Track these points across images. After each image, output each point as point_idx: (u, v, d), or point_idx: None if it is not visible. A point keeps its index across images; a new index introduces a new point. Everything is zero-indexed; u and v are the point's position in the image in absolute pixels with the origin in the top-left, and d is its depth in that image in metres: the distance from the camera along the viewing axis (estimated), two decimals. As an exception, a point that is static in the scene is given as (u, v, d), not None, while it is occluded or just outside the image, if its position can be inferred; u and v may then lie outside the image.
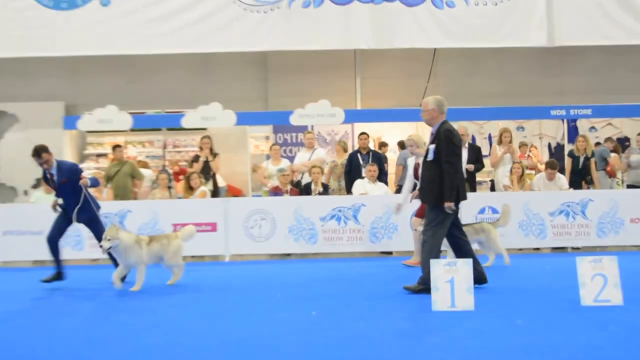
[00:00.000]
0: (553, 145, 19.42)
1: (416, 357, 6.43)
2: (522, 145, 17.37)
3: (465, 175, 14.98)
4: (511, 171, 15.71)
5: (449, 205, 9.56)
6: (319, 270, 12.63)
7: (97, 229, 11.42)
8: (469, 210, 13.93)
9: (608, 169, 16.49)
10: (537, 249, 14.92)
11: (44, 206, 14.81)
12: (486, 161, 16.20)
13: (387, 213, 14.14)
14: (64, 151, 18.96)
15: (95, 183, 11.81)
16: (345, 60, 19.40)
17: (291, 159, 17.10)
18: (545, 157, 18.23)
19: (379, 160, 15.87)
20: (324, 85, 19.03)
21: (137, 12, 18.10)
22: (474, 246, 11.90)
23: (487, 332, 7.39)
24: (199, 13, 18.03)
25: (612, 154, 16.82)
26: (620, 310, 8.16)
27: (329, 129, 19.09)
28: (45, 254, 13.87)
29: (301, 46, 18.31)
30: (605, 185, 16.39)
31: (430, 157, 9.77)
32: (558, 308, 8.55)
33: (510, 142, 16.35)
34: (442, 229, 9.72)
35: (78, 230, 13.80)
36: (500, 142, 16.35)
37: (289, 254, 14.70)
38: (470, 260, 8.58)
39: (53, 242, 11.56)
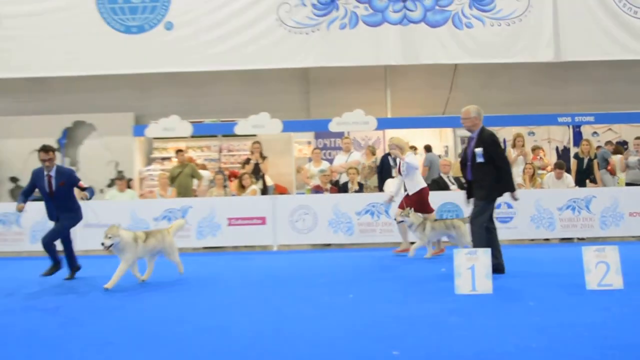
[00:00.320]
0: (560, 148, 19.24)
1: (441, 334, 6.43)
2: (536, 148, 17.28)
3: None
4: (524, 171, 15.69)
5: (514, 195, 10.10)
6: (355, 259, 12.63)
7: (65, 228, 10.85)
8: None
9: (609, 168, 16.36)
10: (547, 239, 14.84)
11: (117, 202, 15.06)
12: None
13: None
14: (134, 155, 19.14)
15: (92, 194, 11.06)
16: (376, 74, 19.37)
17: (330, 161, 17.11)
18: (554, 158, 18.07)
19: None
20: (359, 97, 18.98)
21: (196, 35, 18.23)
22: (445, 239, 12.57)
23: (503, 313, 7.39)
24: (250, 35, 18.13)
25: (617, 155, 16.69)
26: (621, 294, 8.14)
27: (363, 135, 19.06)
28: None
29: (338, 62, 18.32)
30: (608, 182, 16.27)
31: (480, 159, 9.87)
32: (566, 292, 8.52)
33: (523, 145, 16.31)
34: (485, 218, 9.94)
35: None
36: (514, 146, 16.32)
37: (328, 244, 14.70)
38: (489, 250, 8.60)
39: (47, 246, 10.71)
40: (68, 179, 10.71)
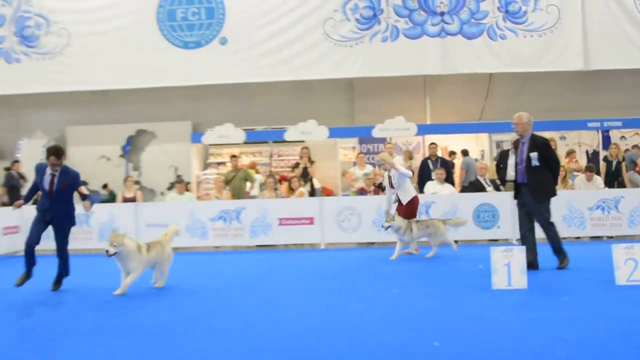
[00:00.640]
0: (590, 152, 18.99)
1: (479, 327, 6.41)
2: (570, 152, 17.16)
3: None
4: (557, 173, 15.52)
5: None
6: (397, 256, 12.62)
7: (64, 235, 9.62)
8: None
9: (637, 169, 16.11)
10: (578, 237, 14.64)
11: (176, 204, 15.23)
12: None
13: (453, 208, 14.06)
14: (192, 160, 19.37)
15: (93, 202, 10.31)
16: (416, 83, 19.31)
17: (374, 165, 17.08)
18: (584, 162, 17.84)
19: (446, 165, 15.79)
20: (400, 104, 18.94)
21: (249, 49, 18.36)
22: (424, 239, 12.42)
23: (538, 307, 7.35)
24: (298, 48, 18.21)
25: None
26: (650, 289, 8.04)
27: (404, 140, 18.99)
28: (180, 242, 14.32)
29: (380, 73, 18.29)
30: (637, 183, 16.02)
31: (535, 162, 10.01)
32: (597, 287, 8.45)
33: (555, 149, 16.12)
34: (549, 216, 10.13)
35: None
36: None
37: (372, 243, 14.68)
38: (524, 248, 8.57)
39: (31, 248, 9.48)
40: (72, 182, 9.55)
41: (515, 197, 10.38)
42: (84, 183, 10.94)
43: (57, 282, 9.69)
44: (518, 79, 18.84)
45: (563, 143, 18.66)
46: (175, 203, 15.58)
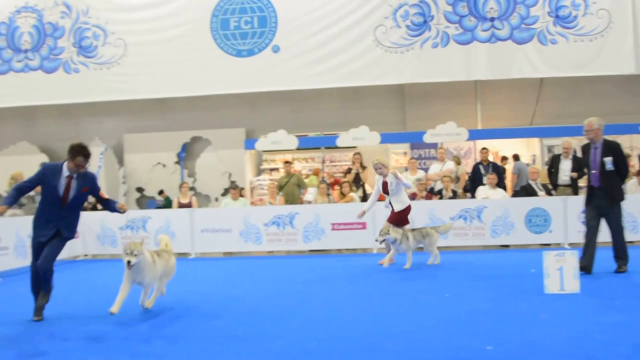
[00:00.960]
0: (642, 156, 18.78)
1: (531, 331, 6.44)
2: (628, 156, 16.95)
3: (570, 182, 14.77)
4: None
5: None
6: (449, 261, 12.60)
7: (58, 248, 8.01)
8: (573, 209, 13.69)
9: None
10: (631, 242, 14.44)
11: (231, 209, 15.44)
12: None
13: (505, 213, 14.04)
14: (245, 166, 19.63)
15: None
16: (467, 89, 19.28)
17: (425, 170, 17.11)
18: (637, 166, 17.59)
19: (498, 170, 15.74)
20: (451, 110, 18.94)
21: (301, 56, 18.53)
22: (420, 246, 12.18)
23: (590, 311, 7.34)
24: (349, 55, 18.31)
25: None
26: None
27: (455, 145, 18.98)
28: (234, 247, 14.54)
29: (431, 78, 18.31)
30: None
31: (610, 167, 10.02)
32: (651, 292, 8.40)
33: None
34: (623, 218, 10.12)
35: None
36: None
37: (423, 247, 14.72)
38: (576, 252, 8.57)
39: (51, 268, 7.95)
40: (92, 185, 8.19)
41: (588, 201, 10.33)
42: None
43: (41, 308, 7.97)
44: (569, 83, 18.68)
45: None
46: (229, 208, 15.78)
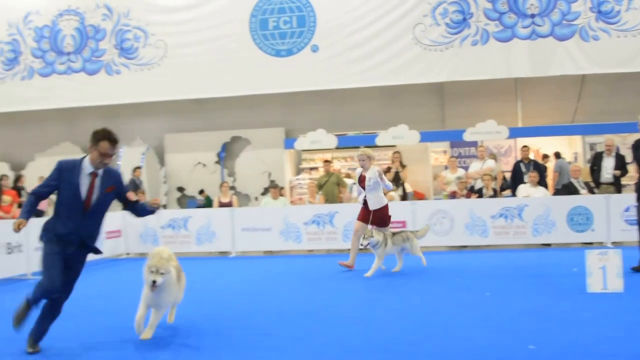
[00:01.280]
0: (688, 152, 18.44)
1: (574, 330, 6.40)
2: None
3: (612, 180, 14.59)
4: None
5: None
6: (490, 260, 12.57)
7: (79, 270, 6.53)
8: (616, 207, 13.55)
9: None
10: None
11: (271, 209, 15.51)
12: (630, 167, 15.59)
13: (546, 211, 13.90)
14: (285, 166, 19.71)
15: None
16: (507, 86, 19.10)
17: (465, 168, 17.02)
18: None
19: (539, 168, 15.59)
20: (491, 107, 18.79)
21: (340, 55, 18.55)
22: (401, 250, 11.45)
23: (634, 310, 7.27)
24: (388, 54, 18.26)
25: None
26: None
27: (495, 143, 18.85)
28: (274, 246, 14.59)
29: (471, 76, 18.19)
30: None
31: None
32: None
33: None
34: None
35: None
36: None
37: (464, 246, 14.64)
38: (620, 250, 8.45)
39: (54, 295, 6.28)
40: (118, 184, 6.70)
41: None
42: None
43: (37, 340, 6.41)
44: (611, 80, 18.41)
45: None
46: (269, 208, 15.86)
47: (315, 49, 18.74)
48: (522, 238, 14.08)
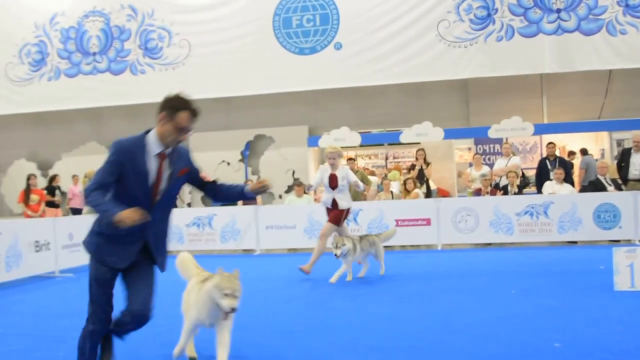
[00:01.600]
0: None
1: (600, 328, 6.34)
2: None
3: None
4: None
5: None
6: (515, 257, 12.50)
7: (153, 281, 5.03)
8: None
9: None
10: None
11: (295, 207, 15.53)
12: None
13: (572, 209, 13.78)
14: (309, 164, 19.71)
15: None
16: (533, 82, 18.97)
17: (490, 165, 16.92)
18: None
19: (565, 165, 15.46)
20: (516, 104, 18.68)
21: (363, 53, 18.53)
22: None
23: (663, 309, 7.18)
24: (411, 51, 18.22)
25: None
26: None
27: (521, 140, 18.72)
28: (298, 243, 14.58)
29: (496, 73, 18.08)
30: None
31: None
32: None
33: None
34: None
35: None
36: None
37: (489, 244, 14.56)
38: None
39: (105, 328, 4.97)
40: (192, 165, 5.23)
41: None
42: None
43: None
44: (639, 75, 18.22)
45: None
46: (294, 205, 15.88)
47: (338, 46, 18.72)
48: (548, 235, 13.97)
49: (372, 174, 18.40)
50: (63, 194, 19.32)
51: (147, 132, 4.87)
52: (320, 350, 6.01)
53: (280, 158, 20.34)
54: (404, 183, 16.00)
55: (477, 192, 15.80)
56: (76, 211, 18.15)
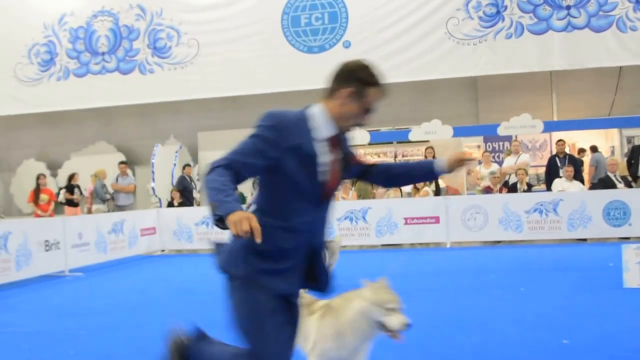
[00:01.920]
0: None
1: (609, 326, 6.35)
2: None
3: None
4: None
5: None
6: (524, 255, 12.49)
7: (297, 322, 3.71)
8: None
9: None
10: None
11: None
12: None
13: (582, 206, 13.75)
14: (318, 162, 19.68)
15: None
16: (542, 79, 18.93)
17: (500, 163, 16.91)
18: None
19: (575, 162, 15.44)
20: (525, 101, 18.64)
21: (372, 51, 18.44)
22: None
23: (672, 305, 7.18)
24: (420, 49, 18.20)
25: None
26: None
27: (530, 137, 18.68)
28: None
29: (505, 70, 18.02)
30: None
31: None
32: None
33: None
34: None
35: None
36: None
37: (498, 241, 14.55)
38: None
39: None
40: (352, 153, 3.97)
41: None
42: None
43: None
44: (650, 72, 18.18)
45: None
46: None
47: (347, 45, 18.74)
48: (557, 233, 13.94)
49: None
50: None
51: (310, 108, 3.65)
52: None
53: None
54: (413, 181, 15.97)
55: (486, 190, 15.79)
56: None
